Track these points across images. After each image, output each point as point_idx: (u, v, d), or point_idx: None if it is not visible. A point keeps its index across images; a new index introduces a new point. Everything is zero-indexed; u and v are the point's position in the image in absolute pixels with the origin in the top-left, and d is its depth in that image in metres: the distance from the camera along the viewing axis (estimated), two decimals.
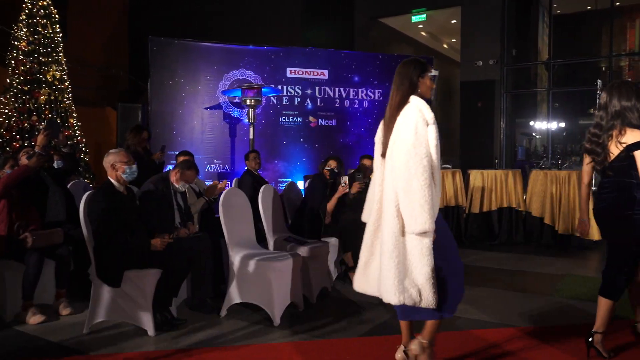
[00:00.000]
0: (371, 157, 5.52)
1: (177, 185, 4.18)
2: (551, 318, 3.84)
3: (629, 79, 11.04)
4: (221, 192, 4.21)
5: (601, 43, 14.17)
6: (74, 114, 9.14)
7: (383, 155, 2.64)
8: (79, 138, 9.07)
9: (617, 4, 11.48)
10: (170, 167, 6.23)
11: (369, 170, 5.41)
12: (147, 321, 3.44)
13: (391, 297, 2.45)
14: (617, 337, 3.37)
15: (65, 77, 9.07)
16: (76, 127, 9.07)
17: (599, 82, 9.58)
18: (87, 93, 12.06)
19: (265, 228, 4.40)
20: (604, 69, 13.47)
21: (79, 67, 10.99)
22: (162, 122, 7.48)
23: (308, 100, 8.31)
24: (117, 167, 3.59)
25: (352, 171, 5.39)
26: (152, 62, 7.44)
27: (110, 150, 3.72)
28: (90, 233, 3.49)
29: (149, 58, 7.44)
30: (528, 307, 4.10)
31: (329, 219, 4.83)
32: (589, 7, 14.45)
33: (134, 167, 3.60)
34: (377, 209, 2.64)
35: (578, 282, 4.91)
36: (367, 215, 2.81)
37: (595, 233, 6.49)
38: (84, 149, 9.10)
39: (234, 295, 3.84)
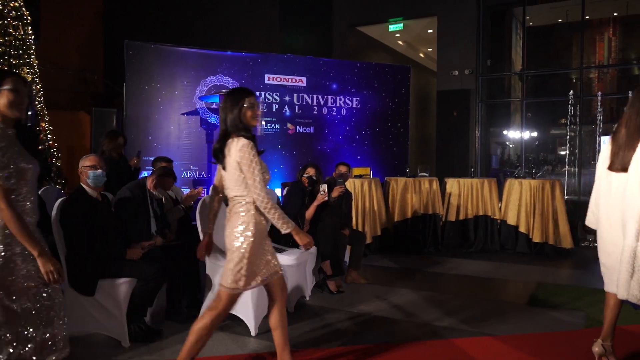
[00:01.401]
0: (346, 164, 5.59)
1: (153, 192, 4.10)
2: (527, 326, 3.88)
3: (599, 92, 11.34)
4: (197, 200, 4.15)
5: (572, 55, 14.55)
6: (46, 118, 8.93)
7: (610, 168, 2.93)
8: (50, 142, 8.86)
9: (587, 17, 11.80)
10: (145, 173, 6.13)
11: (346, 176, 5.47)
12: (121, 332, 3.36)
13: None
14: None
15: (37, 79, 8.86)
16: (48, 131, 8.86)
17: (572, 93, 9.83)
18: (60, 96, 11.81)
19: None
20: (574, 80, 13.82)
21: (51, 70, 10.77)
22: (138, 128, 7.35)
23: (286, 107, 8.28)
24: (83, 172, 3.51)
25: (328, 178, 5.38)
26: (127, 66, 7.32)
27: (84, 156, 3.64)
28: (62, 240, 3.40)
29: (125, 62, 7.31)
30: (504, 315, 4.15)
31: (308, 227, 4.81)
32: (560, 20, 14.83)
33: (99, 171, 3.51)
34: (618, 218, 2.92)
35: (552, 290, 4.98)
36: (590, 221, 3.22)
37: (567, 241, 6.64)
38: (55, 153, 8.89)
39: None
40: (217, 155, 2.66)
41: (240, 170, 2.57)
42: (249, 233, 2.59)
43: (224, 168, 2.66)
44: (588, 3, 10.84)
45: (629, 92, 9.36)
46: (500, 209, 7.04)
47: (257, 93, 8.03)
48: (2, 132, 2.17)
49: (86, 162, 3.52)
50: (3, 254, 2.11)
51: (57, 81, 11.41)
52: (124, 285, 3.37)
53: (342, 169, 5.52)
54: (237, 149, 2.55)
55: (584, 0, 10.67)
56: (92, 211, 3.43)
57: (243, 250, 2.58)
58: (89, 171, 3.48)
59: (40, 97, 8.84)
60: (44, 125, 8.81)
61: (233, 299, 2.66)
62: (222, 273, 2.68)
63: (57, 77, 11.47)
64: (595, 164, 9.77)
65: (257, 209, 2.61)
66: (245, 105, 2.65)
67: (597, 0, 11.70)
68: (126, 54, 7.31)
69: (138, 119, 7.39)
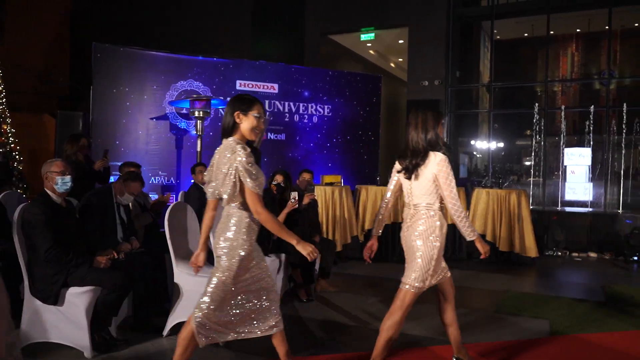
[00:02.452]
0: (310, 171, 5.58)
1: (120, 198, 4.01)
2: (493, 334, 3.94)
3: (562, 105, 11.69)
4: (166, 207, 4.08)
5: (537, 68, 14.98)
6: (8, 120, 8.66)
7: None
8: (12, 145, 8.58)
9: (552, 32, 12.18)
10: (112, 178, 5.99)
11: (311, 183, 5.47)
12: (84, 342, 3.25)
13: None
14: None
15: (0, 81, 8.59)
16: (10, 134, 8.58)
17: (537, 105, 10.11)
18: (24, 98, 11.46)
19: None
20: (539, 93, 14.21)
21: (15, 71, 10.45)
22: (105, 132, 7.19)
23: None
24: (49, 178, 3.40)
25: (293, 186, 5.34)
26: (95, 69, 7.17)
27: (47, 160, 3.53)
28: (24, 247, 3.28)
29: (92, 65, 7.16)
30: (472, 323, 4.20)
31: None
32: (526, 34, 15.26)
33: (67, 178, 3.41)
34: None
35: (518, 298, 5.08)
36: None
37: (532, 250, 6.78)
38: (18, 157, 8.62)
39: (179, 313, 3.70)
40: (410, 169, 2.88)
41: (434, 182, 2.82)
42: (437, 237, 2.84)
43: (409, 178, 2.90)
44: (552, 19, 11.19)
45: (592, 105, 9.71)
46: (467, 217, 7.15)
47: (229, 99, 7.96)
48: (247, 149, 2.53)
49: (53, 167, 3.41)
50: (247, 246, 2.59)
51: (20, 83, 11.08)
52: (87, 294, 3.27)
53: (306, 176, 5.52)
54: (436, 163, 2.80)
55: (549, 16, 11.01)
56: (55, 217, 3.33)
57: (433, 252, 2.83)
58: (57, 177, 3.38)
59: (2, 99, 8.57)
60: (6, 127, 8.54)
61: (416, 297, 2.90)
62: (407, 273, 2.92)
63: (21, 79, 11.14)
64: (558, 174, 10.04)
65: (440, 217, 2.87)
66: (443, 122, 2.92)
67: (561, 16, 12.08)
68: (94, 57, 7.16)
69: (105, 123, 7.23)
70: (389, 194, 3.17)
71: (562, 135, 9.56)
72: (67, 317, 3.25)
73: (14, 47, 11.23)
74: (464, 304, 4.92)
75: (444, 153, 2.83)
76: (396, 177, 3.06)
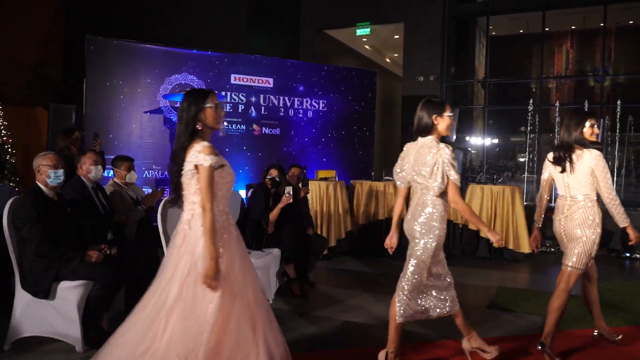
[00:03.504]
0: (299, 165, 5.57)
1: (91, 177, 3.93)
2: (486, 330, 3.94)
3: (557, 101, 11.71)
4: (159, 201, 4.05)
5: (532, 65, 15.01)
6: (0, 113, 8.58)
7: None
8: (4, 138, 8.51)
9: (547, 29, 12.19)
10: (106, 172, 5.94)
11: (300, 177, 5.46)
12: (75, 337, 3.23)
13: None
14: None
15: None
16: (1, 127, 8.51)
17: (532, 102, 10.11)
18: (16, 91, 11.36)
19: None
20: (534, 89, 14.24)
21: (7, 64, 10.36)
22: (98, 125, 7.13)
23: (252, 108, 8.21)
24: (41, 171, 3.37)
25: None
26: (88, 62, 7.10)
27: (40, 153, 3.50)
28: (14, 241, 3.25)
29: (86, 57, 7.09)
30: (466, 319, 4.19)
31: (272, 229, 4.77)
32: (521, 30, 15.27)
33: (60, 171, 3.38)
34: None
35: (511, 294, 5.09)
36: None
37: (526, 246, 6.80)
38: (10, 150, 8.54)
39: None
40: (562, 163, 3.27)
41: (591, 175, 3.19)
42: (598, 225, 3.21)
43: (563, 171, 3.27)
44: (547, 15, 11.20)
45: (585, 102, 9.74)
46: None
47: (223, 93, 7.93)
48: (449, 147, 2.94)
49: (45, 160, 3.38)
50: (440, 231, 3.06)
51: (12, 75, 10.99)
52: (79, 288, 3.25)
53: (295, 171, 5.51)
54: (592, 158, 3.16)
55: (544, 13, 11.02)
56: (46, 211, 3.30)
57: (594, 237, 3.20)
58: (50, 171, 3.35)
59: None
60: None
61: (578, 278, 3.34)
62: (569, 256, 3.28)
63: (13, 71, 11.04)
64: None
65: (597, 206, 3.23)
66: (587, 125, 3.22)
67: (556, 13, 12.09)
68: (87, 49, 7.09)
69: (98, 117, 7.17)
70: (544, 187, 3.57)
71: (556, 132, 9.58)
72: (59, 311, 3.23)
73: (6, 40, 11.12)
74: (458, 300, 4.92)
75: (598, 149, 3.16)
76: (547, 171, 3.47)
